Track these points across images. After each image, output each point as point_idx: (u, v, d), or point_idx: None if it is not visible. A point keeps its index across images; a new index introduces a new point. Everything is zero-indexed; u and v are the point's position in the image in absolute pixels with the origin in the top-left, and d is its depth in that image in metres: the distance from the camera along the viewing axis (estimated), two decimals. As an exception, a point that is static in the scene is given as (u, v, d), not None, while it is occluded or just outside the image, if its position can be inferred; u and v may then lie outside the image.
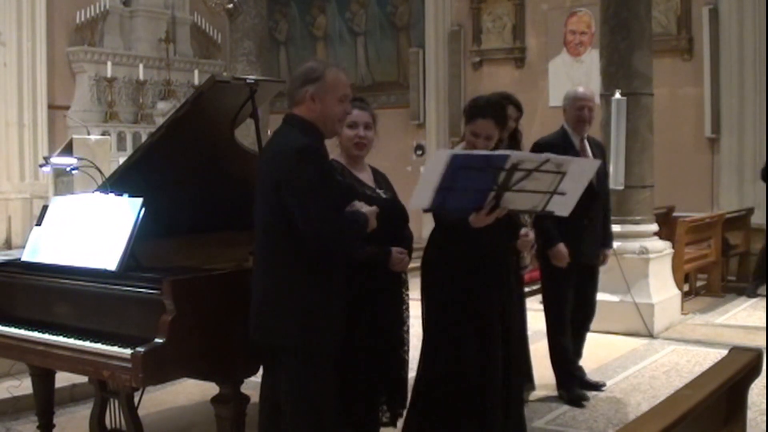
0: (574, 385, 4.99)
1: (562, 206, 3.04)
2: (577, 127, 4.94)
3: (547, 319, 5.04)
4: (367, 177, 3.56)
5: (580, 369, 5.22)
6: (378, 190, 3.53)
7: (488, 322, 3.62)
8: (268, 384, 3.29)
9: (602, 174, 5.03)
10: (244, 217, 3.32)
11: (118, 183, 3.75)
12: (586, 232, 4.88)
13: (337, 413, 3.17)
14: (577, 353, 5.22)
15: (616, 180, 6.66)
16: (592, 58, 9.84)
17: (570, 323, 5.10)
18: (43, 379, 4.02)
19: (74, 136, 7.76)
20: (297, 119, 3.11)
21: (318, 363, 3.06)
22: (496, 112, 3.71)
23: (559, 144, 4.77)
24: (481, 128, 3.64)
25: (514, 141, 4.66)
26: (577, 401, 4.88)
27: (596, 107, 4.99)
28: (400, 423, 3.67)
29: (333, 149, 3.57)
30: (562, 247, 4.71)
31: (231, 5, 9.54)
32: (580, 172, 2.96)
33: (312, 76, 3.08)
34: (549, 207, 3.04)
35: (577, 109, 4.91)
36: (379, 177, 3.64)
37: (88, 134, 8.39)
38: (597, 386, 5.17)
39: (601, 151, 5.16)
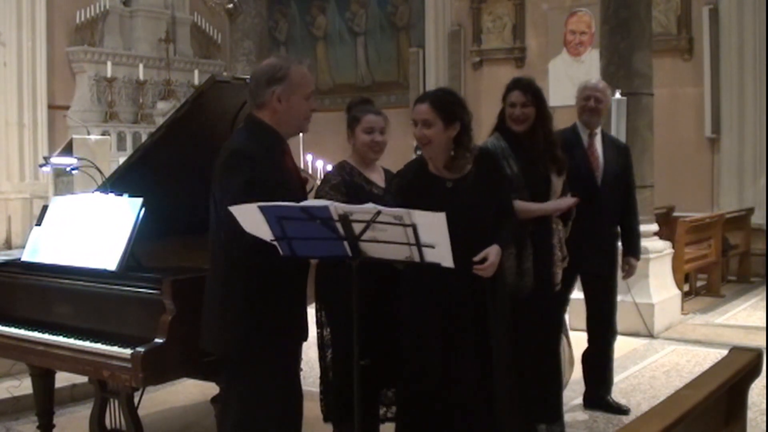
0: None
1: (442, 257, 2.76)
2: (583, 116, 4.60)
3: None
4: (378, 177, 3.62)
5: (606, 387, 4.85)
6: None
7: (456, 336, 3.35)
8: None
9: (622, 175, 4.69)
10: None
11: (118, 183, 3.76)
12: (586, 238, 4.32)
13: (284, 423, 3.09)
14: (605, 370, 4.82)
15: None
16: (592, 58, 9.84)
17: (590, 337, 4.80)
18: (43, 379, 4.01)
19: (74, 136, 7.77)
20: (254, 121, 3.04)
21: (257, 374, 3.00)
22: (435, 96, 3.37)
23: (568, 139, 4.45)
24: (416, 113, 3.34)
25: (534, 135, 3.99)
26: None
27: (607, 99, 4.71)
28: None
29: (343, 151, 3.61)
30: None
31: (231, 5, 9.55)
32: (430, 225, 2.70)
33: (277, 75, 2.97)
34: (429, 258, 2.77)
35: (583, 99, 4.61)
36: (404, 185, 3.56)
37: (88, 134, 8.40)
38: (622, 410, 4.79)
39: (618, 150, 4.76)
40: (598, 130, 4.68)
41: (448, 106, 3.33)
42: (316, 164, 8.93)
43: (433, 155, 3.37)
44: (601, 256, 4.60)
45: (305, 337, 3.24)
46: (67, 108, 11.38)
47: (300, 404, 3.23)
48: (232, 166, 2.92)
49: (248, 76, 3.80)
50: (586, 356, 4.85)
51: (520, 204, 3.75)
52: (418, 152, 3.71)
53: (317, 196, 3.44)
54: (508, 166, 3.90)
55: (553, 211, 3.97)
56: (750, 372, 2.63)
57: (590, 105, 4.59)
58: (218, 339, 3.03)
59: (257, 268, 2.92)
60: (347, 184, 3.47)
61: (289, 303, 3.05)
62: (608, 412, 4.75)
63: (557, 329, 4.38)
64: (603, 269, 4.65)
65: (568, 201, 4.02)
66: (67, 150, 7.23)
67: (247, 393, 3.02)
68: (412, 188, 3.34)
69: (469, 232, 3.20)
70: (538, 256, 3.92)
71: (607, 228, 4.63)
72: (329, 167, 3.61)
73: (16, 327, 3.63)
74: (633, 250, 4.76)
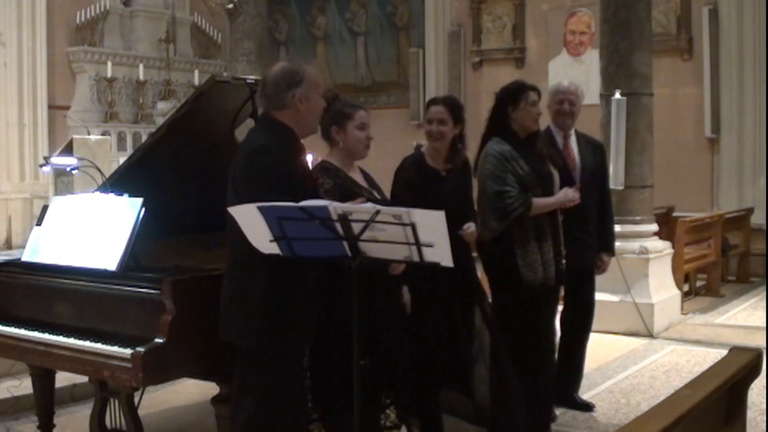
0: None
1: (441, 257, 2.80)
2: (558, 121, 4.67)
3: None
4: (359, 178, 3.58)
5: (575, 385, 4.90)
6: (372, 191, 3.55)
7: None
8: None
9: (599, 172, 4.78)
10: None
11: (118, 183, 3.76)
12: (568, 236, 4.42)
13: (292, 420, 3.13)
14: (579, 366, 4.89)
15: (616, 180, 6.65)
16: (592, 58, 9.84)
17: (566, 331, 4.82)
18: (43, 379, 4.02)
19: (74, 136, 7.77)
20: (269, 120, 3.15)
21: (273, 366, 3.05)
22: (447, 100, 4.03)
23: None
24: (433, 113, 3.92)
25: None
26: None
27: (580, 101, 4.72)
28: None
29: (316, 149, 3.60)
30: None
31: (231, 5, 9.54)
32: (430, 224, 2.73)
33: (296, 79, 3.11)
34: (428, 258, 2.81)
35: (557, 102, 4.67)
36: (368, 178, 3.66)
37: (88, 134, 8.40)
38: (587, 406, 4.84)
39: (593, 148, 4.84)
40: (572, 132, 4.75)
41: (457, 110, 3.96)
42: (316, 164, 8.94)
43: (441, 149, 3.94)
44: (582, 253, 4.64)
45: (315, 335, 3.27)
46: (67, 108, 11.37)
47: (306, 399, 3.28)
48: (253, 161, 3.01)
49: (248, 76, 3.82)
50: (560, 352, 4.76)
51: (537, 201, 4.08)
52: (422, 149, 3.90)
53: None
54: (519, 167, 4.08)
55: (566, 203, 4.19)
56: (750, 372, 2.63)
57: (564, 108, 4.65)
58: (239, 331, 3.07)
59: (280, 263, 2.95)
60: (338, 187, 3.42)
61: (307, 299, 3.09)
62: (573, 409, 4.77)
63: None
64: (584, 265, 4.70)
65: (575, 192, 4.20)
66: (67, 150, 7.23)
67: (263, 385, 3.05)
68: (416, 179, 3.87)
69: (458, 212, 3.78)
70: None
71: (587, 225, 4.68)
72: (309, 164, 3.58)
73: (16, 327, 3.63)
74: (607, 245, 4.83)
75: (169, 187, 3.75)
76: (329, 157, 3.54)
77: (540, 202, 4.08)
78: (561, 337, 4.79)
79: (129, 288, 3.35)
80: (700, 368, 5.28)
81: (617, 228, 6.58)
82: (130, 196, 3.56)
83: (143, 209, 3.47)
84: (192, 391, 4.99)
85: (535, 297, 4.11)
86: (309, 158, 3.37)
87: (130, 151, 10.64)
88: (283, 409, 3.08)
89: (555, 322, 4.46)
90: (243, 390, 3.13)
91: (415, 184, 3.82)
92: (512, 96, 4.18)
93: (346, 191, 3.39)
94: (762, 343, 5.53)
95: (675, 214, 8.92)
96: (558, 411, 4.69)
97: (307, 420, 3.37)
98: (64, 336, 3.42)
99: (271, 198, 2.83)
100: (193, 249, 3.95)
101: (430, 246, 2.77)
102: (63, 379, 4.35)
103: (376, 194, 3.53)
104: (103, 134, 10.25)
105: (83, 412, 4.56)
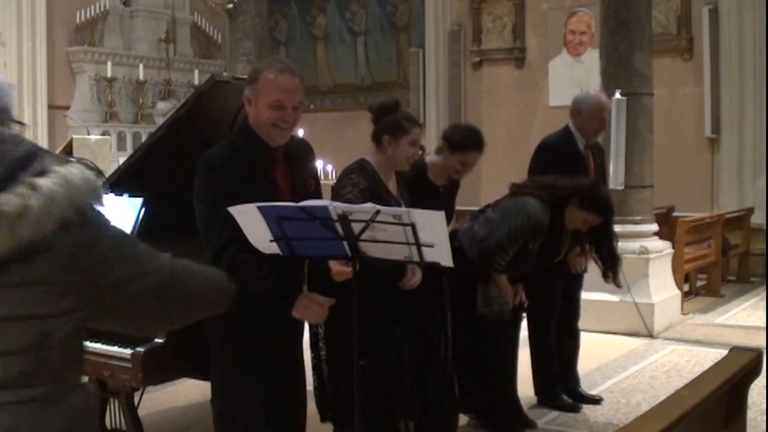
0: (559, 392, 4.81)
1: (442, 257, 2.79)
2: (596, 134, 4.79)
3: (530, 326, 4.82)
4: (392, 185, 3.57)
5: (576, 379, 4.98)
6: (401, 202, 3.51)
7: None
8: None
9: (601, 174, 4.88)
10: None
11: (118, 183, 3.75)
12: (579, 243, 4.55)
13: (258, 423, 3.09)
14: (574, 357, 4.97)
15: (616, 180, 6.65)
16: (592, 58, 9.84)
17: (562, 329, 4.85)
18: (43, 379, 4.01)
19: (74, 136, 7.76)
20: (243, 125, 3.06)
21: (234, 369, 3.01)
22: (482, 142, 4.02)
23: (564, 145, 4.66)
24: (472, 159, 3.97)
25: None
26: (568, 408, 4.75)
27: None
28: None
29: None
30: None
31: (231, 5, 9.55)
32: (430, 224, 2.70)
33: (251, 77, 2.99)
34: (428, 258, 2.79)
35: (599, 120, 4.73)
36: (401, 186, 3.63)
37: (88, 134, 8.39)
38: (593, 399, 4.93)
39: (597, 150, 4.98)
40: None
41: None
42: (315, 164, 8.94)
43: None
44: (582, 256, 4.71)
45: (298, 338, 3.25)
46: (67, 108, 11.39)
47: (301, 407, 3.24)
48: (199, 171, 2.96)
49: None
50: (558, 352, 4.85)
51: (503, 279, 4.13)
52: (419, 152, 3.94)
53: (341, 197, 3.33)
54: (533, 243, 4.09)
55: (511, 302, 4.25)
56: (750, 372, 2.63)
57: (605, 124, 4.79)
58: (208, 329, 3.07)
59: (226, 266, 2.87)
60: (371, 190, 3.38)
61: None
62: (583, 403, 4.82)
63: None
64: (585, 269, 4.85)
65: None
66: (67, 150, 7.22)
67: (227, 387, 3.04)
68: (419, 189, 3.84)
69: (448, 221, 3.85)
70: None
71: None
72: (329, 166, 3.59)
73: (16, 327, 3.62)
74: None
75: (169, 187, 3.74)
76: (370, 157, 3.53)
77: (502, 280, 4.13)
78: (556, 337, 4.84)
79: (129, 288, 3.34)
80: (700, 368, 5.28)
81: (618, 228, 6.60)
82: (130, 196, 3.56)
83: (143, 209, 3.47)
84: (192, 391, 4.99)
85: (490, 327, 4.16)
86: (318, 164, 3.34)
87: (130, 151, 10.65)
88: (244, 415, 3.02)
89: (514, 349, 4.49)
90: (214, 390, 3.13)
91: (415, 194, 3.67)
92: (585, 200, 4.12)
93: (376, 197, 3.30)
94: (762, 343, 5.52)
95: (675, 214, 8.93)
96: (587, 414, 4.73)
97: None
98: (64, 336, 3.41)
99: (207, 209, 2.87)
100: (193, 249, 3.94)
101: (431, 246, 2.77)
102: (63, 379, 4.35)
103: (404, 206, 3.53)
104: (103, 134, 10.26)
105: (83, 412, 4.56)
